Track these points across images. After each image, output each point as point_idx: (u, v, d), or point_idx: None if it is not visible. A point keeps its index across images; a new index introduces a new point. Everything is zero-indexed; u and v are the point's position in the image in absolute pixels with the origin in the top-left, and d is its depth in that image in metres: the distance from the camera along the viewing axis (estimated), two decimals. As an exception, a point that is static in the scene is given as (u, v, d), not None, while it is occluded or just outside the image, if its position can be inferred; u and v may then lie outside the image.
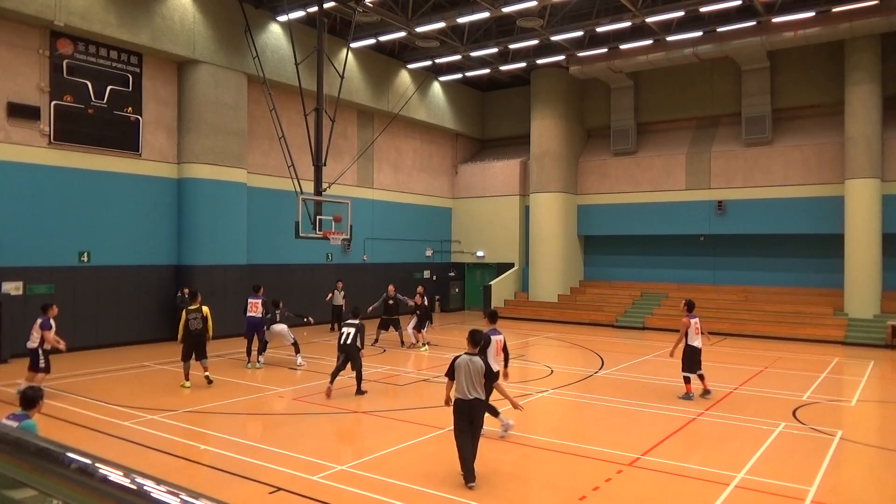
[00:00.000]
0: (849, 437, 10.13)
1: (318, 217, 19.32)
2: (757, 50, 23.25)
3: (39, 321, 11.64)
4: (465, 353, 7.76)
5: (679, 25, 22.60)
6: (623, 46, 24.12)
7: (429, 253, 30.07)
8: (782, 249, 25.03)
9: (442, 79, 29.15)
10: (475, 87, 31.71)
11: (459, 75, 28.75)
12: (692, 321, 12.37)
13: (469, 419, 7.54)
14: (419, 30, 22.36)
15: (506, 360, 9.78)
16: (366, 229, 26.20)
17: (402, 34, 23.22)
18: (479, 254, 30.87)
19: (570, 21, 22.48)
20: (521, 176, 29.92)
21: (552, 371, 15.51)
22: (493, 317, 10.08)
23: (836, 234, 22.78)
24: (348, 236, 20.57)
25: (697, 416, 11.18)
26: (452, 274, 31.08)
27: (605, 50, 24.56)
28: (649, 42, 23.61)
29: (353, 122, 26.20)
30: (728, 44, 22.84)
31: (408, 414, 11.10)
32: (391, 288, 18.87)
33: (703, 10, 21.13)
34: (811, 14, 20.82)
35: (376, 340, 18.68)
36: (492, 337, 9.30)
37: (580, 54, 25.15)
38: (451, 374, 7.72)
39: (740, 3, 20.38)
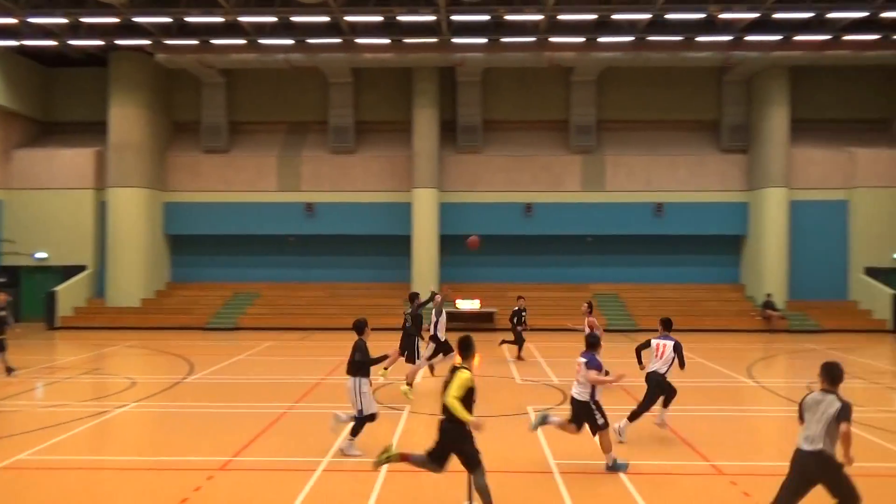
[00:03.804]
0: (415, 410, 11.63)
1: None
2: (342, 65, 25.19)
3: None
4: None
5: (273, 30, 23.00)
6: (215, 41, 23.42)
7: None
8: (362, 248, 27.64)
9: (-10, 42, 23.98)
10: (37, 60, 26.98)
11: (14, 42, 24.04)
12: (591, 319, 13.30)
13: None
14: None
15: None
16: None
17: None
18: (40, 255, 26.30)
19: (158, 4, 20.89)
20: (96, 167, 26.57)
21: (134, 382, 14.10)
22: None
23: (405, 236, 26.13)
24: None
25: (288, 409, 11.46)
26: (3, 280, 25.65)
27: (196, 42, 23.49)
28: (243, 42, 23.44)
29: None
30: (317, 56, 24.17)
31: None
32: None
33: (294, 19, 21.94)
34: (387, 41, 23.46)
35: None
36: None
37: (168, 42, 23.54)
38: None
39: (328, 19, 21.79)
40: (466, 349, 6.61)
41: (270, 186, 27.01)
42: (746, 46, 23.31)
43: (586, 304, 14.09)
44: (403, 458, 6.78)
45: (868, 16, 21.27)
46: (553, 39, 23.21)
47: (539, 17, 21.38)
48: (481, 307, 24.29)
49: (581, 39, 23.39)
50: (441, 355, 13.79)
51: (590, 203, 26.55)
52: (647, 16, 21.10)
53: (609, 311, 25.03)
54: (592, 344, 8.36)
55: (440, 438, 6.51)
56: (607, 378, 8.63)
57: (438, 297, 14.05)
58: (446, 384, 6.43)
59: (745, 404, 12.71)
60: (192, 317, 24.93)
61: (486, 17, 21.78)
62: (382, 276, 27.43)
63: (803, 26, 22.51)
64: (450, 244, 26.69)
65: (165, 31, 23.05)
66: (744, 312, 25.09)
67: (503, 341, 17.74)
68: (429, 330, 13.66)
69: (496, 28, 23.09)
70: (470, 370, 6.45)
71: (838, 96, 26.97)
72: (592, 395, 8.14)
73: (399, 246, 26.70)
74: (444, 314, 13.82)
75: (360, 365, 8.77)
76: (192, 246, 27.94)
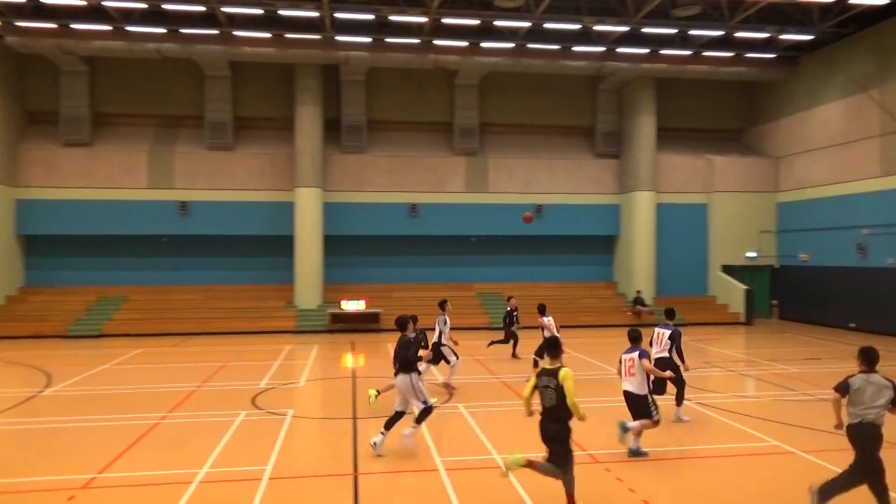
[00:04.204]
0: (299, 414, 11.33)
1: None
2: (219, 58, 24.08)
3: None
4: None
5: (143, 18, 21.62)
6: (76, 26, 21.67)
7: None
8: (242, 249, 26.58)
9: None
10: None
11: None
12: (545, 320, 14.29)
13: None
14: None
15: None
16: None
17: None
18: None
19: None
20: (-65, 159, 23.77)
21: (-19, 397, 12.73)
22: None
23: (287, 236, 25.43)
24: None
25: (160, 420, 10.80)
26: None
27: (55, 26, 21.62)
28: (108, 28, 21.84)
29: None
30: (192, 47, 22.96)
31: None
32: None
33: (166, 7, 20.75)
34: (268, 35, 22.72)
35: None
36: None
37: (20, 24, 21.50)
38: None
39: (204, 9, 20.79)
40: (557, 349, 6.94)
41: (140, 183, 25.35)
42: (618, 58, 24.72)
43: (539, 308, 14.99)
44: (531, 464, 6.76)
45: (724, 35, 23.19)
46: (437, 42, 23.48)
47: (423, 19, 21.54)
48: (367, 308, 24.10)
49: (464, 44, 23.82)
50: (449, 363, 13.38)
51: (474, 204, 27.07)
52: (527, 24, 21.82)
53: (492, 310, 25.63)
54: (636, 338, 8.82)
55: (552, 440, 6.73)
56: (665, 373, 9.55)
57: (449, 307, 14.45)
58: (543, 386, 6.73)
59: (618, 395, 13.39)
60: (49, 324, 22.89)
61: (370, 17, 21.64)
62: (264, 278, 26.53)
63: (668, 41, 24.23)
64: (334, 244, 26.29)
65: (17, 11, 21.04)
66: (616, 308, 26.54)
67: (492, 342, 17.40)
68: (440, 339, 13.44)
69: (380, 28, 23.01)
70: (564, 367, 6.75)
71: (699, 108, 29.20)
72: (649, 388, 8.70)
73: (281, 246, 25.93)
74: (448, 324, 13.83)
75: (411, 362, 8.87)
76: (50, 247, 25.62)
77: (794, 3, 21.08)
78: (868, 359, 6.55)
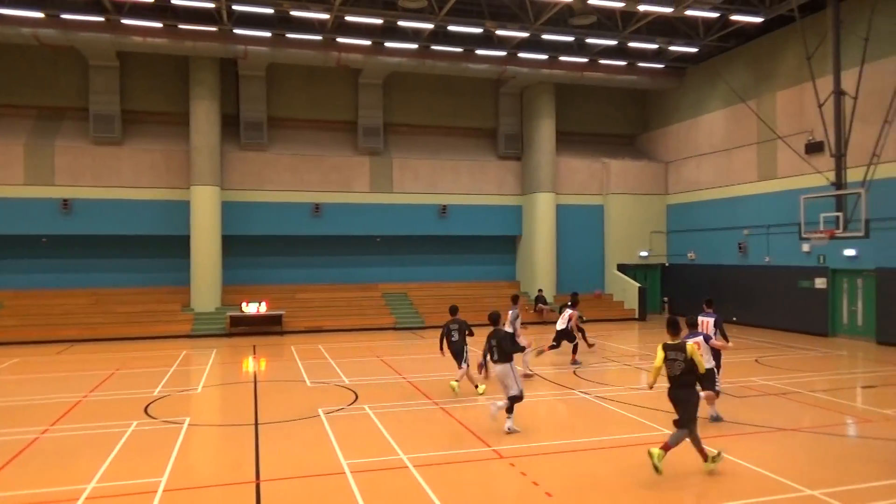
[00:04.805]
0: (196, 422, 10.83)
1: None
2: (106, 47, 22.65)
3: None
4: None
5: (17, 0, 19.98)
6: (-61, 5, 19.75)
7: None
8: (133, 250, 25.13)
9: None
10: None
11: None
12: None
13: None
14: None
15: None
16: None
17: None
18: None
19: None
20: None
21: None
22: None
23: (183, 236, 24.28)
24: None
25: (41, 434, 10.01)
26: None
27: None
28: (-23, 8, 20.04)
29: None
30: (74, 34, 21.46)
31: None
32: None
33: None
34: (159, 25, 21.60)
35: None
36: None
37: None
38: None
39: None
40: (676, 326, 8.11)
41: (16, 179, 23.40)
42: (519, 62, 25.35)
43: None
44: (666, 448, 7.67)
45: (618, 44, 24.28)
46: (340, 40, 23.16)
47: (325, 16, 21.19)
48: (269, 310, 23.40)
49: (368, 42, 23.64)
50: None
51: (378, 204, 26.91)
52: (430, 25, 21.94)
53: (398, 310, 25.59)
54: (693, 324, 9.90)
55: (681, 404, 7.84)
56: (728, 344, 10.91)
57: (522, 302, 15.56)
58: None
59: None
60: None
61: (269, 10, 21.04)
62: (157, 280, 25.20)
63: (566, 49, 25.09)
64: (234, 245, 25.38)
65: None
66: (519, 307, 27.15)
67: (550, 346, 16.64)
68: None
69: (281, 23, 22.43)
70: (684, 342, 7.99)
71: (596, 113, 30.44)
72: (716, 362, 10.36)
73: (176, 247, 24.72)
74: (519, 318, 14.85)
75: (508, 352, 9.78)
76: None
77: (681, 18, 22.36)
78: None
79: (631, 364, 16.66)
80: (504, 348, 9.79)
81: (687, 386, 7.87)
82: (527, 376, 13.98)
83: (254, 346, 20.22)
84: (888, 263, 19.07)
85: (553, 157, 28.05)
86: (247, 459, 8.68)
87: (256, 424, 10.54)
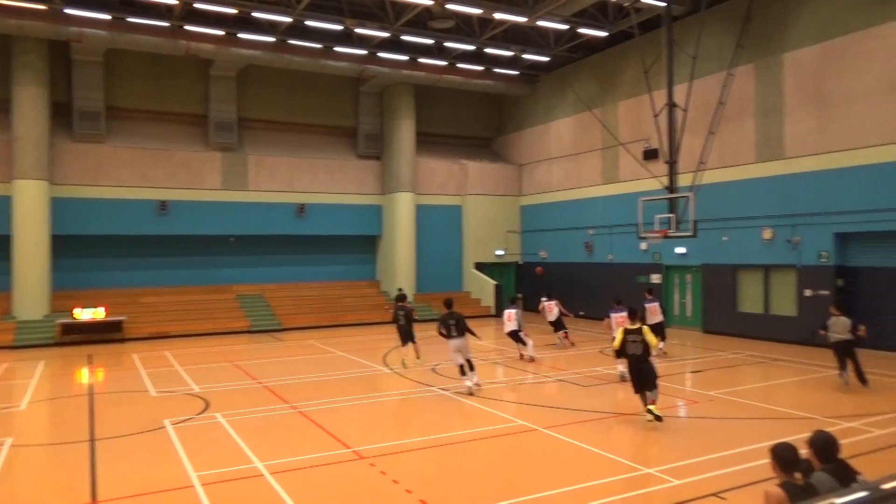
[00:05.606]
0: (20, 442, 9.71)
1: None
2: None
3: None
4: None
5: None
6: None
7: None
8: (-58, 253, 22.11)
9: None
10: None
11: None
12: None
13: None
14: None
15: None
16: None
17: None
18: None
19: None
20: None
21: None
22: None
23: (3, 235, 21.75)
24: None
25: None
26: None
27: None
28: None
29: None
30: None
31: None
32: None
33: None
34: (-27, -3, 19.19)
35: None
36: None
37: None
38: None
39: None
40: (635, 315, 10.70)
41: None
42: (379, 62, 25.30)
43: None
44: (654, 402, 9.91)
45: (475, 49, 24.96)
46: (190, 28, 21.85)
47: (174, 1, 19.88)
48: (107, 316, 21.54)
49: (220, 32, 22.51)
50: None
51: (232, 202, 25.68)
52: (288, 19, 21.28)
53: (254, 312, 24.59)
54: (633, 312, 11.49)
55: (641, 374, 10.04)
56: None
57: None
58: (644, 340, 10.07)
59: (382, 390, 13.70)
60: None
61: (109, -9, 19.41)
62: (-28, 286, 22.37)
63: (426, 51, 25.41)
64: (66, 245, 23.11)
65: None
66: (379, 306, 27.07)
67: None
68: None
69: (122, 5, 20.76)
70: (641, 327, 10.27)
71: (455, 116, 31.10)
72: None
73: (-4, 248, 22.11)
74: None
75: (464, 329, 12.83)
76: None
77: (534, 27, 23.41)
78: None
79: (487, 359, 17.14)
80: (462, 326, 12.55)
81: (647, 360, 10.03)
82: (532, 359, 16.19)
83: (89, 356, 18.51)
84: (711, 260, 21.19)
85: (413, 157, 28.28)
86: (81, 480, 7.90)
87: (92, 441, 9.64)
